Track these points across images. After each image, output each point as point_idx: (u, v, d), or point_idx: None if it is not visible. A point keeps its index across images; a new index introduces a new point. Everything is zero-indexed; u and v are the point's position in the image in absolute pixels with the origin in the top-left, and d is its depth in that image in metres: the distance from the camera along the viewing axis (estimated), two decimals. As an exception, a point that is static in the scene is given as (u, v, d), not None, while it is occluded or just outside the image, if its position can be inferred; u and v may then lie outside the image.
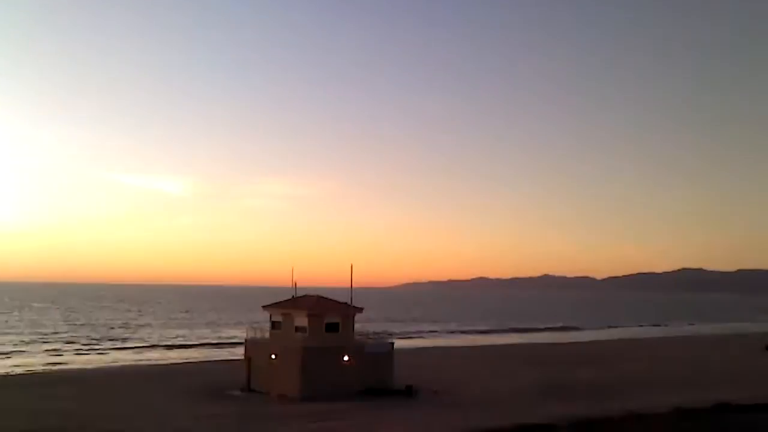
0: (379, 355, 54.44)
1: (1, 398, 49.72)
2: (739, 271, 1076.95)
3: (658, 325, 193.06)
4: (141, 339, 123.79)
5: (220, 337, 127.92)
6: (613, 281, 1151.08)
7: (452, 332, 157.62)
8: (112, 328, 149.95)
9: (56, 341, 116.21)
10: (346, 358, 52.55)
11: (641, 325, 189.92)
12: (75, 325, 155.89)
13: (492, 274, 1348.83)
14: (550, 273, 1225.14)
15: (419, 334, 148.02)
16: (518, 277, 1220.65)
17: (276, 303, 58.38)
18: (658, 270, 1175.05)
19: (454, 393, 53.63)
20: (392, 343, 57.22)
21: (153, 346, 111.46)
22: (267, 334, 57.67)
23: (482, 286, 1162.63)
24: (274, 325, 56.74)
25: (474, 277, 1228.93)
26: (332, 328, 53.93)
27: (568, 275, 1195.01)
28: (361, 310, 57.35)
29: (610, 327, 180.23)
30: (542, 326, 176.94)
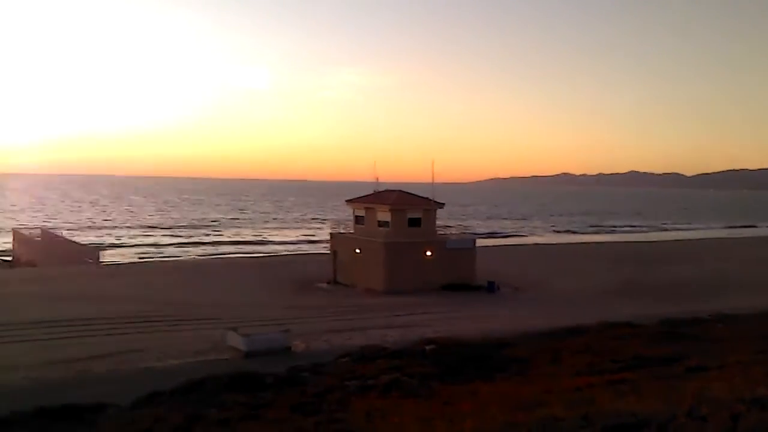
0: (461, 251, 54.90)
1: (105, 286, 53.34)
2: None
3: (753, 226, 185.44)
4: (231, 233, 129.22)
5: (305, 234, 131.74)
6: (703, 178, 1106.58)
7: (535, 229, 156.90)
8: (204, 221, 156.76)
9: (153, 234, 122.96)
10: (428, 252, 53.31)
11: (732, 226, 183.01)
12: (171, 218, 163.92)
13: (577, 170, 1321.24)
14: (637, 169, 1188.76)
15: (502, 230, 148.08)
16: (604, 174, 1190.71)
17: (359, 197, 59.20)
18: (751, 167, 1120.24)
19: (535, 290, 53.98)
20: (474, 239, 57.54)
21: (240, 242, 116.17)
22: (351, 229, 58.98)
23: (567, 182, 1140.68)
24: (358, 219, 57.83)
25: (559, 172, 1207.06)
26: (414, 223, 54.52)
27: (656, 172, 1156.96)
28: (442, 205, 57.54)
29: (697, 226, 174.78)
30: (627, 224, 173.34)
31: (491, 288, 52.64)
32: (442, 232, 57.59)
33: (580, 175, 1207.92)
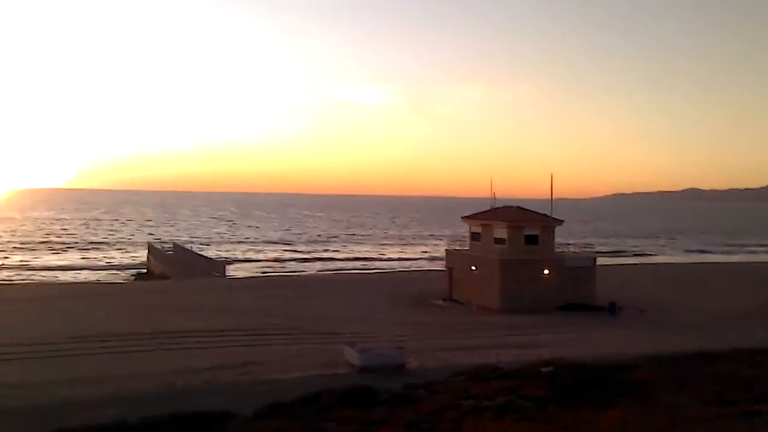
0: (580, 270, 53.21)
1: (230, 299, 55.77)
2: None
3: None
4: (350, 249, 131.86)
5: (422, 250, 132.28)
6: None
7: (661, 247, 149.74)
8: (323, 237, 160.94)
9: (276, 249, 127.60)
10: (546, 271, 52.10)
11: None
12: (293, 233, 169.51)
13: (705, 185, 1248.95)
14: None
15: (624, 248, 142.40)
16: (735, 189, 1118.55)
17: (475, 214, 58.85)
18: None
19: (661, 312, 51.31)
20: (594, 258, 55.68)
21: (358, 258, 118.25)
22: (467, 246, 58.66)
23: (695, 197, 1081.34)
24: (474, 236, 57.44)
25: (685, 188, 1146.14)
26: (532, 240, 53.46)
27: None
28: (561, 222, 56.11)
29: None
30: (762, 243, 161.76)
31: (612, 309, 50.58)
32: (561, 250, 56.11)
33: (709, 190, 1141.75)
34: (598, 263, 55.68)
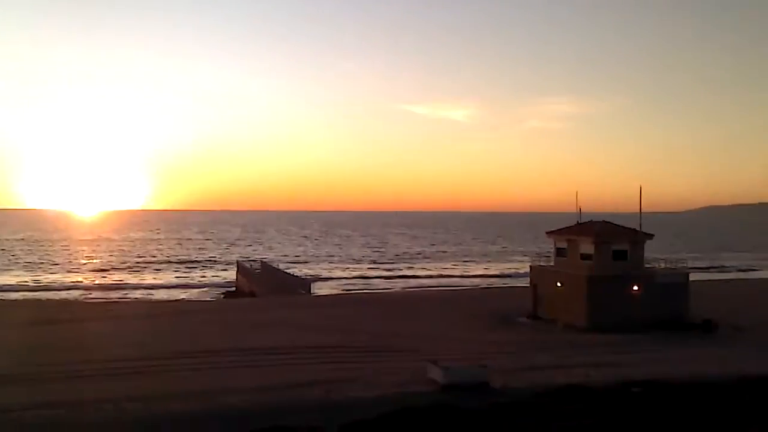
0: (671, 286, 51.26)
1: (315, 316, 56.69)
2: None
3: None
4: (434, 265, 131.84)
5: (507, 266, 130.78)
6: None
7: (760, 262, 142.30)
8: (407, 254, 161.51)
9: (360, 266, 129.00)
10: (635, 287, 50.53)
11: None
12: (377, 251, 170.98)
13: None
14: None
15: (719, 263, 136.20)
16: None
17: (561, 229, 57.79)
18: None
19: (763, 331, 48.74)
20: (687, 273, 53.54)
21: (442, 275, 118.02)
22: (552, 261, 57.64)
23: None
24: (559, 251, 56.36)
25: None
26: (620, 255, 51.97)
27: None
28: (651, 236, 54.37)
29: None
30: None
31: (707, 327, 48.42)
32: (651, 266, 54.31)
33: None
34: (691, 278, 53.52)
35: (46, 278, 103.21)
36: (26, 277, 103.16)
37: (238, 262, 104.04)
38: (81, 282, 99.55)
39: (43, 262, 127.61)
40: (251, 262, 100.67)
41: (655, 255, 59.37)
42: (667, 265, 55.62)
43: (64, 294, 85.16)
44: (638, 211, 56.10)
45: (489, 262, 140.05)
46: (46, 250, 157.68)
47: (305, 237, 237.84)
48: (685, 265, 57.16)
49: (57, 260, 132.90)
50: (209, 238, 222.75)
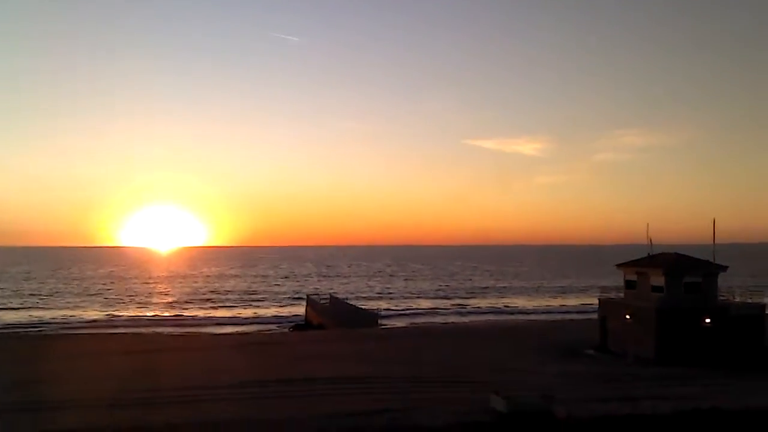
0: (747, 318, 49.85)
1: (382, 348, 57.46)
2: None
3: None
4: (502, 299, 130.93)
5: (574, 300, 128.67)
6: None
7: None
8: (476, 288, 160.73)
9: (427, 299, 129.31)
10: (707, 320, 49.31)
11: None
12: (446, 285, 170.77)
13: None
14: None
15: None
16: None
17: (631, 261, 57.14)
18: None
19: None
20: (764, 305, 51.98)
21: (510, 308, 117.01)
22: (622, 294, 56.90)
23: None
24: (629, 284, 55.65)
25: None
26: (692, 288, 50.95)
27: None
28: (725, 268, 53.06)
29: None
30: None
31: (785, 361, 46.76)
32: (725, 298, 52.94)
33: None
34: (768, 311, 51.88)
35: (131, 312, 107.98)
36: (123, 312, 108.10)
37: (307, 296, 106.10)
38: (158, 315, 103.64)
39: (129, 296, 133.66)
40: (320, 297, 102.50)
41: (731, 286, 57.77)
42: (743, 298, 54.14)
43: (143, 330, 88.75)
44: (712, 242, 55.04)
45: (557, 295, 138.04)
46: (130, 286, 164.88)
47: (375, 271, 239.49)
48: (761, 297, 55.46)
49: (136, 296, 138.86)
50: (287, 276, 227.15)
